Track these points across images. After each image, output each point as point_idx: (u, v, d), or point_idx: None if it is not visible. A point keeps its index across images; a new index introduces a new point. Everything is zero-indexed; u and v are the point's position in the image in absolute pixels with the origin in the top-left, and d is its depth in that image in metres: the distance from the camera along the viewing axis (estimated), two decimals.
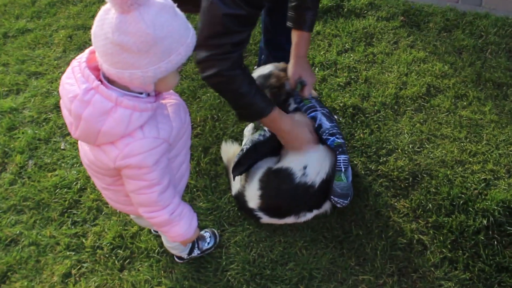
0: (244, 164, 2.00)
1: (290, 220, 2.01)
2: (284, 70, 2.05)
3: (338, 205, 1.99)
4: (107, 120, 1.11)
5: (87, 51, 1.19)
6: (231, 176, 2.05)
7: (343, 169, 1.91)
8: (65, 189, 2.28)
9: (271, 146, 2.05)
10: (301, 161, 1.91)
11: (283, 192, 1.92)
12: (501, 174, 2.26)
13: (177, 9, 1.09)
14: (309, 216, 2.02)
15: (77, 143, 2.49)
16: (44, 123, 2.66)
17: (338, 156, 1.90)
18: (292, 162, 1.93)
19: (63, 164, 2.41)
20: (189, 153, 1.53)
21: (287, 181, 1.91)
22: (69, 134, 2.56)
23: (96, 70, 1.14)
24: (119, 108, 1.10)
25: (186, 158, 1.49)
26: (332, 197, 1.94)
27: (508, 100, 2.66)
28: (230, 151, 2.22)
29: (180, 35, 1.08)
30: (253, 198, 1.97)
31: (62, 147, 2.50)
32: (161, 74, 1.10)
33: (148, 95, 1.20)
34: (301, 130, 1.92)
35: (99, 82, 1.10)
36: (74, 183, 2.30)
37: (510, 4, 3.46)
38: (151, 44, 1.03)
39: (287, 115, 1.88)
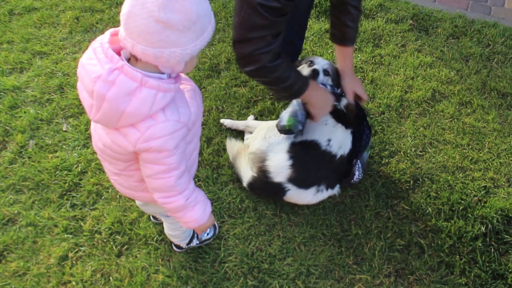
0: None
1: (310, 193, 2.03)
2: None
3: (355, 177, 2.11)
4: (132, 100, 1.10)
5: (107, 33, 1.17)
6: (240, 168, 2.13)
7: (368, 146, 2.16)
8: (66, 171, 2.27)
9: None
10: (326, 134, 2.05)
11: (312, 158, 2.02)
12: (501, 183, 2.28)
13: None
14: (324, 194, 2.07)
15: (79, 126, 2.47)
16: (47, 104, 2.64)
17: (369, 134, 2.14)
18: (318, 135, 2.05)
19: (64, 146, 2.39)
20: (199, 141, 1.52)
21: (315, 148, 2.03)
22: (72, 116, 2.54)
23: (117, 52, 1.13)
24: (144, 88, 1.09)
25: (197, 146, 1.49)
26: (359, 162, 2.11)
27: (511, 110, 2.67)
28: (234, 148, 2.23)
29: (211, 14, 1.12)
30: (281, 171, 2.00)
31: (64, 129, 2.48)
32: (196, 52, 1.12)
33: (170, 77, 1.20)
34: (328, 95, 2.03)
35: (124, 62, 1.09)
36: (75, 165, 2.29)
37: None
38: (193, 21, 1.05)
39: (316, 85, 1.96)
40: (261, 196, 2.15)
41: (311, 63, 2.18)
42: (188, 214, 1.37)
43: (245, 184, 2.11)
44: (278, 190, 2.02)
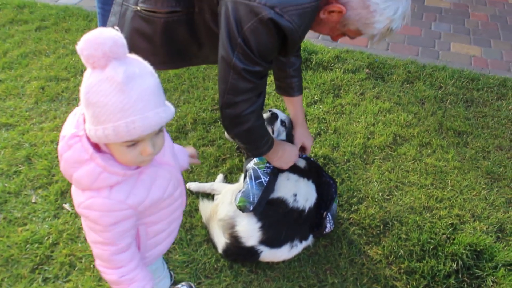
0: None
1: (285, 251, 2.05)
2: None
3: (327, 229, 2.14)
4: (80, 169, 1.12)
5: None
6: (214, 234, 2.14)
7: (335, 196, 2.22)
8: (36, 244, 2.22)
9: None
10: (290, 189, 2.10)
11: (281, 217, 2.05)
12: (466, 219, 2.36)
13: (133, 86, 1.03)
14: (299, 247, 2.09)
15: (49, 196, 2.45)
16: (14, 176, 2.61)
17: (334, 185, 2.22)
18: (283, 191, 2.10)
19: (34, 218, 2.36)
20: (176, 227, 1.51)
21: (282, 206, 2.06)
22: (41, 186, 2.52)
23: None
24: (92, 163, 1.12)
25: (169, 228, 1.46)
26: (329, 214, 2.14)
27: (468, 147, 2.81)
28: (207, 210, 2.25)
29: (112, 111, 1.03)
30: (252, 234, 2.01)
31: (33, 201, 2.45)
32: (96, 138, 1.08)
33: None
34: (290, 148, 2.12)
35: (85, 133, 1.11)
36: (46, 237, 2.25)
37: (463, 57, 3.73)
38: (85, 104, 1.05)
39: (277, 141, 2.05)
40: (237, 261, 2.15)
41: (270, 111, 2.30)
42: None
43: (219, 250, 2.11)
44: (252, 253, 2.03)
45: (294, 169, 2.18)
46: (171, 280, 1.99)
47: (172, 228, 1.49)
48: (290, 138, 2.27)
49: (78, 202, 1.19)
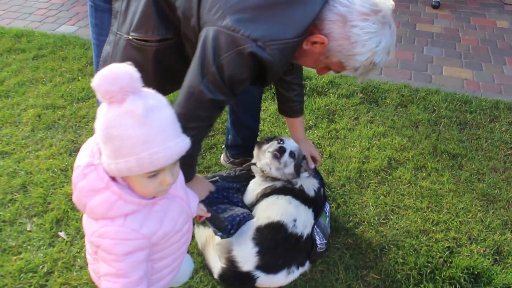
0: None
1: (282, 277, 2.04)
2: None
3: (319, 245, 2.14)
4: (94, 197, 1.14)
5: None
6: (209, 259, 2.14)
7: (328, 214, 2.29)
8: (31, 274, 2.20)
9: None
10: (291, 214, 2.11)
11: (279, 242, 2.04)
12: (463, 241, 2.36)
13: (153, 118, 1.06)
14: (296, 273, 2.08)
15: (44, 224, 2.44)
16: (9, 204, 2.61)
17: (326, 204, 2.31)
18: (284, 215, 2.09)
19: (29, 247, 2.35)
20: (179, 264, 1.50)
21: (281, 231, 2.06)
22: (36, 215, 2.51)
23: None
24: (108, 192, 1.13)
25: (173, 264, 1.45)
26: (316, 227, 2.16)
27: (463, 169, 2.83)
28: (203, 236, 2.24)
29: (135, 144, 1.05)
30: (248, 259, 2.00)
31: (28, 229, 2.44)
32: (117, 172, 1.10)
33: None
34: (201, 181, 2.14)
35: (101, 162, 1.13)
36: (41, 266, 2.23)
37: (456, 81, 3.79)
38: (105, 139, 1.07)
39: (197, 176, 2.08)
40: (233, 287, 2.14)
41: (281, 141, 2.30)
42: None
43: (216, 275, 2.09)
44: (248, 279, 2.01)
45: (298, 194, 2.20)
46: None
47: (176, 264, 1.48)
48: (298, 169, 2.26)
49: (91, 231, 1.19)
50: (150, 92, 1.11)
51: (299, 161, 2.27)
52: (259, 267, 2.00)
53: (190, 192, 1.56)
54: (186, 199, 1.38)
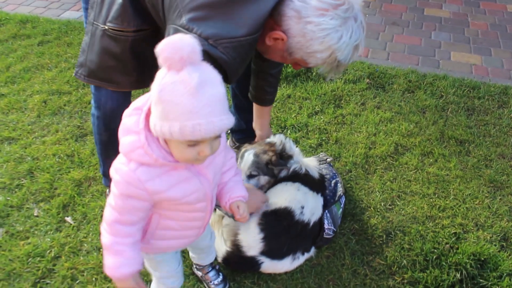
0: None
1: (287, 262, 2.05)
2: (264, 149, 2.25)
3: (326, 230, 2.15)
4: (126, 136, 1.25)
5: None
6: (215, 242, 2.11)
7: (342, 205, 2.32)
8: (38, 258, 2.22)
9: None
10: (299, 200, 2.09)
11: (285, 229, 2.03)
12: (469, 228, 2.35)
13: (204, 91, 1.10)
14: (301, 259, 2.10)
15: (51, 209, 2.46)
16: (16, 189, 2.62)
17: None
18: (292, 202, 2.08)
19: (36, 232, 2.36)
20: (191, 235, 1.55)
21: (288, 218, 2.05)
22: (43, 200, 2.53)
23: None
24: (136, 136, 1.22)
25: (181, 231, 1.50)
26: (327, 212, 2.18)
27: (470, 155, 2.81)
28: (212, 217, 2.23)
29: (182, 112, 1.10)
30: (253, 244, 2.00)
31: (35, 214, 2.46)
32: (161, 133, 1.16)
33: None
34: (254, 192, 2.09)
35: (147, 110, 1.23)
36: (48, 251, 2.25)
37: (464, 66, 3.74)
38: (157, 101, 1.12)
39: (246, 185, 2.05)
40: (237, 270, 2.14)
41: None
42: (106, 256, 1.37)
43: (220, 259, 2.10)
44: (252, 264, 2.02)
45: (306, 180, 2.18)
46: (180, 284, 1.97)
47: (186, 234, 1.53)
48: (270, 173, 2.22)
49: (114, 162, 1.29)
50: (208, 67, 1.16)
51: (262, 166, 2.19)
52: (264, 253, 2.00)
53: (238, 189, 1.59)
54: (211, 182, 1.41)
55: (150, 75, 1.83)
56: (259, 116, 2.39)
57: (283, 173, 2.23)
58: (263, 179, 2.21)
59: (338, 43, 1.46)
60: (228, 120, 1.16)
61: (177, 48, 1.06)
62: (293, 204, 2.08)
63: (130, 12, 1.73)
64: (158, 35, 1.77)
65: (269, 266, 2.03)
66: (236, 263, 2.08)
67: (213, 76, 1.15)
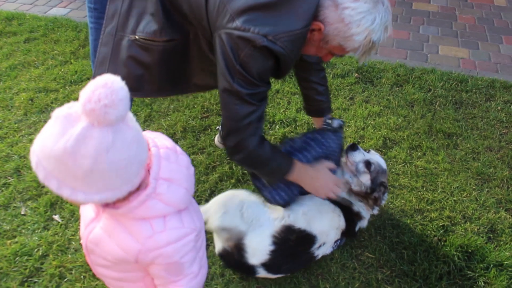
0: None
1: (279, 276, 2.04)
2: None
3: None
4: None
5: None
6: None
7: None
8: (26, 257, 2.21)
9: None
10: (326, 237, 2.02)
11: (296, 253, 1.98)
12: (457, 220, 2.37)
13: None
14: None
15: (38, 208, 2.44)
16: (3, 188, 2.60)
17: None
18: (321, 234, 2.00)
19: (23, 230, 2.34)
20: None
21: (305, 245, 1.99)
22: (30, 198, 2.51)
23: None
24: None
25: None
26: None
27: (458, 149, 2.83)
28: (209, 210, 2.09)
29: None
30: (259, 254, 1.93)
31: (22, 213, 2.44)
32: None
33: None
34: (324, 172, 2.01)
35: None
36: (36, 249, 2.24)
37: (452, 60, 3.76)
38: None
39: (304, 166, 1.96)
40: (230, 269, 2.13)
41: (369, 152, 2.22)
42: None
43: (216, 252, 2.05)
44: (248, 270, 1.98)
45: (350, 221, 2.10)
46: None
47: None
48: (374, 186, 2.06)
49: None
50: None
51: (377, 179, 2.06)
52: (264, 265, 1.93)
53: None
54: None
55: (170, 86, 1.85)
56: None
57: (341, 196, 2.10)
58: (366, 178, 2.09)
59: (372, 25, 1.54)
60: None
61: None
62: (321, 237, 2.00)
63: (162, 23, 1.75)
64: (187, 45, 1.81)
65: (263, 275, 1.99)
66: (231, 263, 2.02)
67: None
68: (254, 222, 1.98)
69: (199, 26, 1.72)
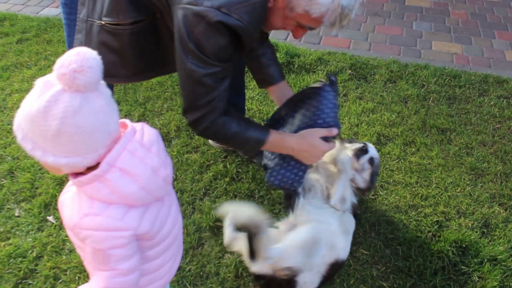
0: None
1: None
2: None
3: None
4: None
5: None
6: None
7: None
8: (20, 258, 2.19)
9: None
10: (344, 251, 2.00)
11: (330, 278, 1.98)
12: (451, 215, 2.37)
13: None
14: None
15: (32, 209, 2.43)
16: None
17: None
18: (345, 252, 2.00)
19: (17, 232, 2.33)
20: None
21: (337, 268, 1.99)
22: (24, 200, 2.49)
23: None
24: None
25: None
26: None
27: (452, 144, 2.83)
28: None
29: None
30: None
31: (16, 214, 2.43)
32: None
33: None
34: (310, 137, 1.81)
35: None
36: (30, 251, 2.23)
37: (445, 55, 3.77)
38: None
39: (287, 133, 1.86)
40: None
41: (364, 145, 2.18)
42: None
43: (252, 268, 1.90)
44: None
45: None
46: None
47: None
48: (373, 178, 2.14)
49: None
50: None
51: (376, 172, 2.15)
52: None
53: None
54: None
55: (148, 68, 1.77)
56: (283, 97, 2.05)
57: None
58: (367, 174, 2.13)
59: None
60: None
61: None
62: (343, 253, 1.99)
63: (124, 4, 1.71)
64: (156, 26, 1.76)
65: None
66: (268, 285, 1.90)
67: None
68: (311, 263, 1.88)
69: (159, 3, 1.67)
